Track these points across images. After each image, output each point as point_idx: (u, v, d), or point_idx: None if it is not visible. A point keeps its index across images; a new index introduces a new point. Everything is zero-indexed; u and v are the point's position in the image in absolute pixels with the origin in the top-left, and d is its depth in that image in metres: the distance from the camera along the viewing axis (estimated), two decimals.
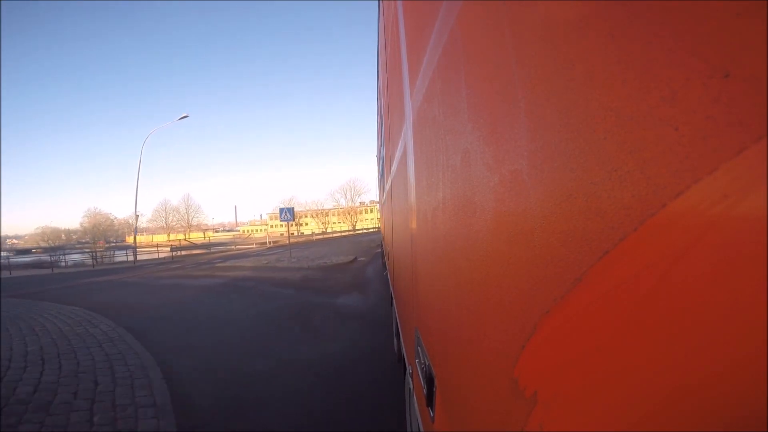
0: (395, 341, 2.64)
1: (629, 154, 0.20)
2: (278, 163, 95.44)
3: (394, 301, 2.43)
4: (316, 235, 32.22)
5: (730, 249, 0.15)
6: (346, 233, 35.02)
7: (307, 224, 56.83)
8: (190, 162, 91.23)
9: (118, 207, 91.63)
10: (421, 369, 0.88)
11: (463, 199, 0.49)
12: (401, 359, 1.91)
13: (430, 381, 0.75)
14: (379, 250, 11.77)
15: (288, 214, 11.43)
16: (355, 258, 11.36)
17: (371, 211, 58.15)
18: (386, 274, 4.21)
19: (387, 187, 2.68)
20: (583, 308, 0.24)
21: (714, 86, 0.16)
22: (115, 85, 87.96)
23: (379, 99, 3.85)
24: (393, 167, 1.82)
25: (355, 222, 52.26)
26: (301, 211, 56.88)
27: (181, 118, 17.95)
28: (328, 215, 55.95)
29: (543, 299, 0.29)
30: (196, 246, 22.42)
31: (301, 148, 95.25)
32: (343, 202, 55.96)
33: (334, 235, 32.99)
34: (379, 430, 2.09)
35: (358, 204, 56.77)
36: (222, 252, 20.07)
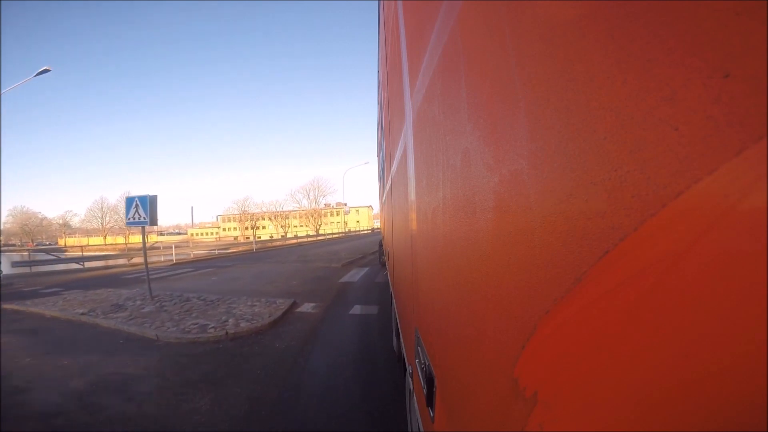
0: (395, 341, 2.64)
1: (629, 154, 0.20)
2: (251, 162, 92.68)
3: (394, 301, 2.43)
4: (273, 242, 25.53)
5: (730, 249, 0.15)
6: (306, 240, 27.31)
7: (264, 227, 52.41)
8: (155, 161, 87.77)
9: (49, 205, 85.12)
10: (421, 369, 0.88)
11: (463, 199, 0.49)
12: (401, 359, 1.91)
13: (430, 381, 0.75)
14: (346, 279, 7.22)
15: (140, 211, 5.48)
16: (293, 304, 5.04)
17: (337, 214, 52.95)
18: (386, 273, 4.16)
19: (387, 186, 2.68)
20: (583, 308, 0.24)
21: (714, 86, 0.16)
22: (89, 80, 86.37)
23: (379, 99, 3.85)
24: (393, 167, 1.82)
25: (319, 225, 47.38)
26: (258, 212, 51.97)
27: (39, 73, 12.89)
28: (288, 218, 51.00)
29: (543, 299, 0.29)
30: (58, 259, 14.27)
31: (276, 149, 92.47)
32: (305, 203, 50.67)
33: (290, 242, 25.80)
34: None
35: (322, 206, 52.34)
36: (86, 271, 12.25)
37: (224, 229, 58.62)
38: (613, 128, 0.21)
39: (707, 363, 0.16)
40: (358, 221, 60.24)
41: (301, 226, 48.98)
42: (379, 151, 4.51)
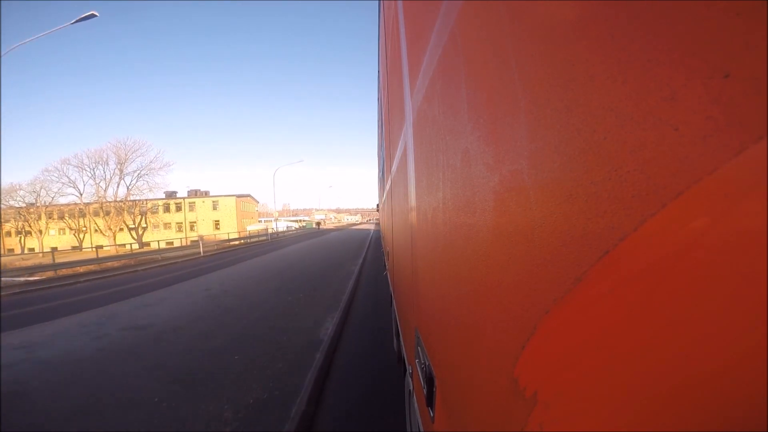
0: (395, 341, 2.64)
1: (629, 154, 0.20)
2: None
3: (393, 301, 2.43)
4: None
5: (730, 249, 0.15)
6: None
7: (49, 232, 27.64)
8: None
9: None
10: (421, 369, 0.88)
11: (463, 199, 0.49)
12: (401, 359, 1.91)
13: (430, 381, 0.75)
14: None
15: None
16: None
17: (178, 209, 30.02)
18: (386, 274, 4.19)
19: (387, 186, 2.68)
20: (583, 308, 0.24)
21: (714, 86, 0.16)
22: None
23: (380, 99, 3.85)
24: (393, 167, 1.82)
25: (141, 230, 24.59)
26: (36, 207, 24.72)
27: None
28: (86, 215, 24.94)
29: (543, 299, 0.29)
30: None
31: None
32: (89, 189, 24.17)
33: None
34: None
35: (160, 196, 29.21)
36: None
37: None
38: (613, 128, 0.21)
39: (707, 363, 0.16)
40: (216, 221, 33.66)
41: (107, 230, 23.96)
42: (380, 150, 4.51)
